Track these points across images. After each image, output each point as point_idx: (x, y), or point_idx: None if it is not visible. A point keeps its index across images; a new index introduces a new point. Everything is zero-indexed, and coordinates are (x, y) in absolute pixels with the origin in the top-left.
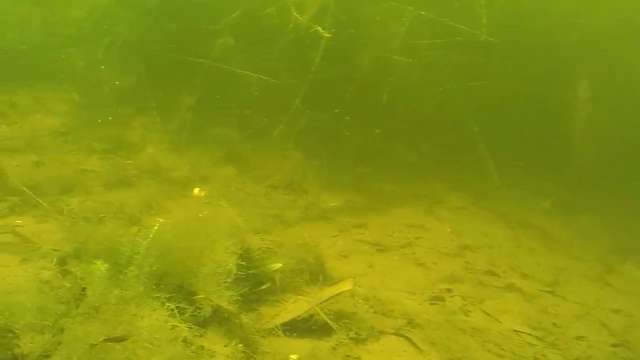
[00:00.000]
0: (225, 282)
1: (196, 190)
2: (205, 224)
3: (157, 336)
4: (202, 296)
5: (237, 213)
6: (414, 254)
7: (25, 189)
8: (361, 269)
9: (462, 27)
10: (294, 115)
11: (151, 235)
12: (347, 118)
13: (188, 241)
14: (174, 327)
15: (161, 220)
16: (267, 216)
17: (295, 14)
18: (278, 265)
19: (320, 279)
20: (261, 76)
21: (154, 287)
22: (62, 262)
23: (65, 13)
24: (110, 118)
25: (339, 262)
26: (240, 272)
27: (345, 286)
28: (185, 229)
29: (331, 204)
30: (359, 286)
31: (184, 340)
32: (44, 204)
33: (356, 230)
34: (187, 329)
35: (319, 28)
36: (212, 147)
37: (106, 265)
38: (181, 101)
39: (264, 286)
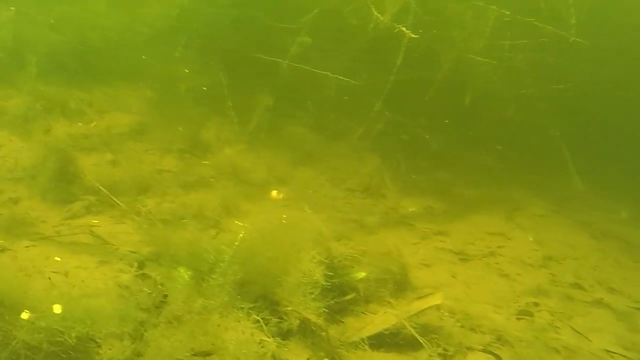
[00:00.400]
0: (311, 292)
1: (274, 193)
2: (289, 230)
3: (244, 351)
4: (290, 308)
5: (320, 219)
6: (497, 264)
7: (101, 188)
8: (445, 279)
9: (549, 27)
10: (372, 117)
11: (237, 243)
12: (426, 121)
13: (272, 248)
14: (261, 341)
15: (240, 223)
16: (347, 221)
17: (375, 13)
18: (362, 274)
19: (405, 290)
20: (340, 77)
21: (238, 296)
22: (140, 265)
23: (141, 11)
24: (186, 117)
25: (422, 271)
26: (326, 283)
27: (435, 300)
28: (269, 236)
29: (410, 210)
30: (444, 298)
31: (273, 356)
32: (120, 204)
33: (437, 238)
34: (274, 343)
35: (404, 28)
36: (289, 148)
37: (189, 272)
38: (258, 101)
39: (349, 296)
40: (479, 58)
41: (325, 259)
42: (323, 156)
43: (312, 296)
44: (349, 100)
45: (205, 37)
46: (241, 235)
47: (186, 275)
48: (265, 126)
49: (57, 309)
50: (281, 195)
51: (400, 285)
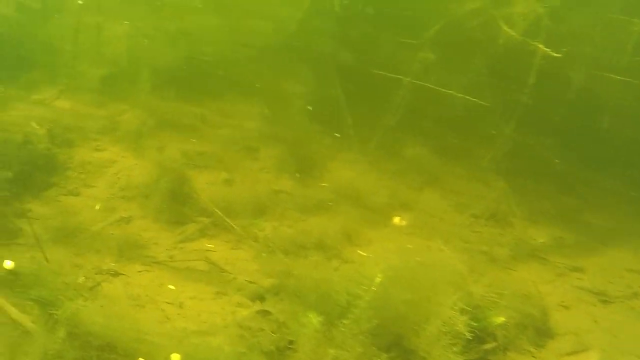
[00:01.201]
0: (453, 345)
1: (397, 219)
2: (426, 269)
3: None
4: None
5: (459, 259)
6: None
7: (216, 209)
8: (586, 324)
9: None
10: (497, 138)
11: (374, 288)
12: (556, 143)
13: (408, 291)
14: None
15: (364, 254)
16: (476, 253)
17: (504, 28)
18: (501, 319)
19: (545, 336)
20: (466, 96)
21: (372, 346)
22: (259, 297)
23: (254, 25)
24: (302, 135)
25: (561, 314)
26: (469, 334)
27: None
28: (405, 276)
29: (540, 240)
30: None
31: None
32: (236, 228)
33: (574, 275)
34: None
35: (542, 45)
36: (410, 170)
37: (320, 318)
38: (378, 119)
39: (488, 345)
40: (617, 77)
41: (467, 305)
42: (446, 179)
43: (454, 349)
44: (473, 120)
45: (323, 52)
46: (379, 278)
47: (316, 321)
48: (386, 146)
49: (175, 358)
50: (404, 222)
51: (540, 331)
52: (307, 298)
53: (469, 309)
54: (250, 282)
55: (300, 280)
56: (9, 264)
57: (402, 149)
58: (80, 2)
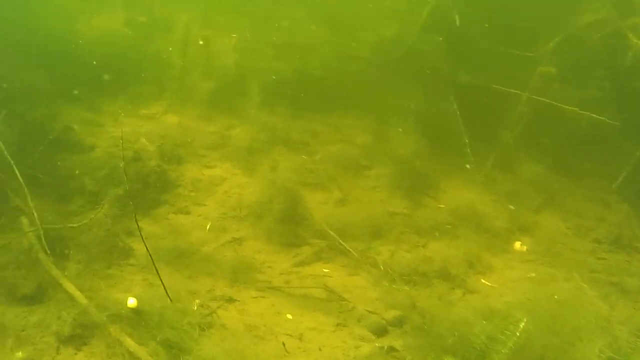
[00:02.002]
0: None
1: (517, 244)
2: (566, 309)
3: None
4: None
5: (597, 296)
6: None
7: (330, 231)
8: None
9: None
10: (619, 158)
11: (518, 334)
12: None
13: (549, 335)
14: None
15: (488, 283)
16: (605, 284)
17: (634, 40)
18: None
19: None
20: (591, 114)
21: None
22: (382, 330)
23: (362, 37)
24: (415, 151)
25: None
26: None
27: None
28: (543, 317)
29: None
30: None
31: None
32: (353, 252)
33: None
34: None
35: None
36: (529, 190)
37: None
38: (495, 136)
39: None
40: None
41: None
42: (565, 200)
43: None
44: (595, 138)
45: (438, 66)
46: (522, 324)
47: None
48: (503, 164)
49: None
50: (525, 248)
51: None
52: (441, 338)
53: (617, 357)
54: (371, 312)
55: (427, 315)
56: (132, 302)
57: (519, 168)
58: (200, 42)
